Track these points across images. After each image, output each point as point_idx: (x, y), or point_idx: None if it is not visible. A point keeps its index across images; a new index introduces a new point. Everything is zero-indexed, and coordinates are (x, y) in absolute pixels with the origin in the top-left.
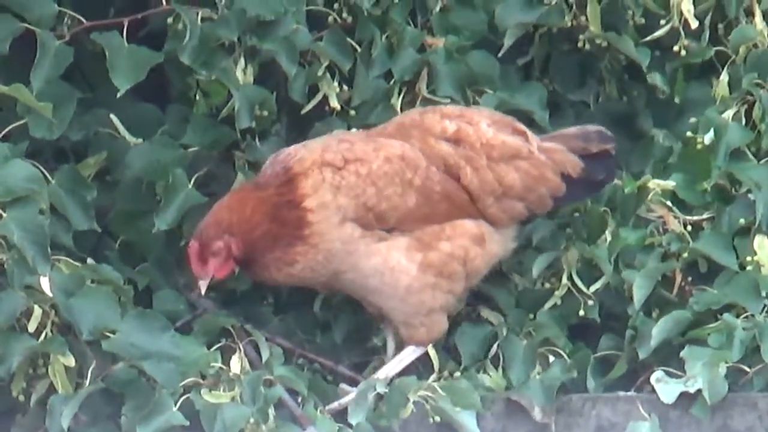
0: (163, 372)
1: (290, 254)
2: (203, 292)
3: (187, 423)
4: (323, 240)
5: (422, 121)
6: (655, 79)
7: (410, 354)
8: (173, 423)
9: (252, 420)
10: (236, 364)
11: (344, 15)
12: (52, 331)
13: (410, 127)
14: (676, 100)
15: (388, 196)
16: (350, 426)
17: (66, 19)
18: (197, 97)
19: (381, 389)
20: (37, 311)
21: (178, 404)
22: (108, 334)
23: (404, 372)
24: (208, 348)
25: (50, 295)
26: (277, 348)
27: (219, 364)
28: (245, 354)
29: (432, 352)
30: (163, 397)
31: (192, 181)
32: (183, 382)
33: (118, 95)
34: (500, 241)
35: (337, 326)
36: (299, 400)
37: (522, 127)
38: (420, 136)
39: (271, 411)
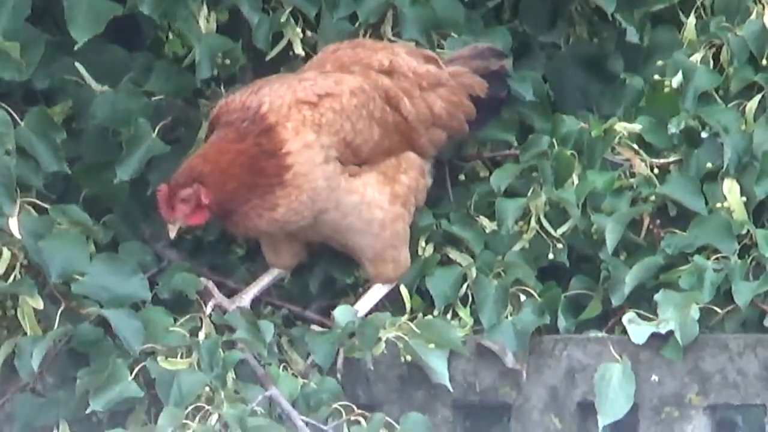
0: (129, 330)
1: (270, 200)
2: (172, 236)
3: (142, 394)
4: (307, 179)
5: (358, 56)
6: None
7: (378, 291)
8: (127, 395)
9: (209, 386)
10: (201, 334)
11: None
12: (20, 273)
13: (350, 63)
14: (645, 43)
15: (360, 129)
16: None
17: None
18: (168, 38)
19: None
20: (6, 253)
21: (134, 372)
22: (77, 277)
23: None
24: (172, 307)
25: (19, 237)
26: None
27: (179, 328)
28: (210, 320)
29: (404, 292)
30: (119, 366)
31: (156, 130)
32: (144, 346)
33: (76, 47)
34: (429, 174)
35: (312, 274)
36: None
37: (431, 53)
38: (361, 70)
39: (231, 375)
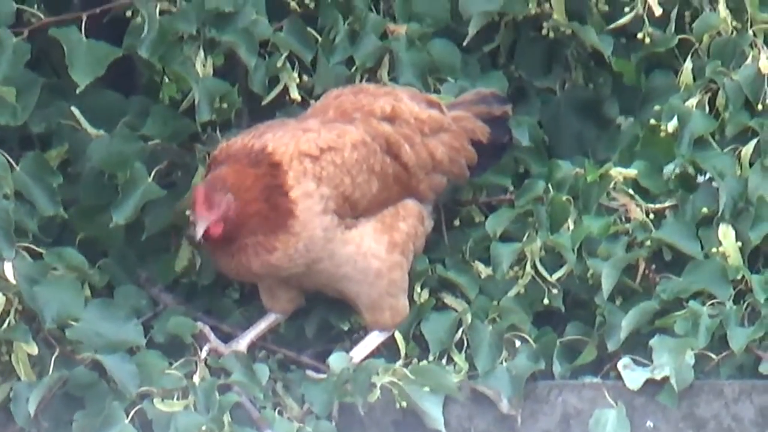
0: (124, 373)
1: (271, 241)
2: (199, 236)
3: None
4: (305, 228)
5: (361, 103)
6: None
7: (375, 339)
8: None
9: (205, 428)
10: (197, 376)
11: (306, 1)
12: (15, 319)
13: (352, 110)
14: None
15: (359, 184)
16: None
17: (26, 15)
18: (164, 82)
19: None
20: (1, 298)
21: (131, 414)
22: (72, 322)
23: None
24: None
25: (14, 282)
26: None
27: (175, 371)
28: (205, 363)
29: (399, 338)
30: (115, 408)
31: (152, 175)
32: (140, 390)
33: (78, 90)
34: (428, 219)
35: (308, 320)
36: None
37: (434, 97)
38: (363, 117)
39: (227, 417)
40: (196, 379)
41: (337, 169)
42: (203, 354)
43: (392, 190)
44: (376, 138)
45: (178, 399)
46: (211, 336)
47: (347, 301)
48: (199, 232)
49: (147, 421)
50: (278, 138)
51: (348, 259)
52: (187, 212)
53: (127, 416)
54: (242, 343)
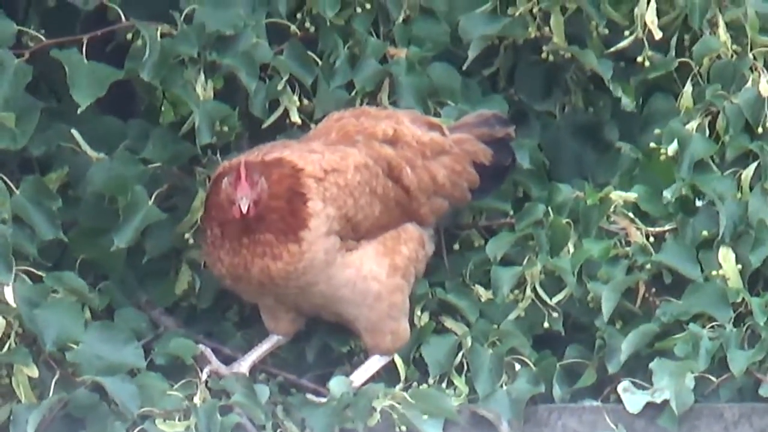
0: (124, 394)
1: (280, 247)
2: (244, 209)
3: None
4: (310, 249)
5: (363, 125)
6: (618, 92)
7: (376, 363)
8: None
9: None
10: (198, 397)
11: (307, 25)
12: (15, 342)
13: (354, 133)
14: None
15: (362, 206)
16: None
17: (26, 37)
18: (163, 108)
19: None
20: (1, 322)
21: None
22: (71, 345)
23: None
24: (168, 371)
25: (14, 305)
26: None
27: (176, 392)
28: (206, 386)
29: (398, 361)
30: (116, 429)
31: (153, 198)
32: (141, 410)
33: (79, 111)
34: (429, 243)
35: (309, 343)
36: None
37: (435, 120)
38: (365, 140)
39: None
40: (197, 400)
41: (341, 190)
42: (204, 376)
43: (393, 213)
44: (378, 161)
45: (179, 420)
46: (212, 358)
47: (346, 325)
48: (245, 206)
49: None
50: (288, 155)
51: (346, 282)
52: (188, 234)
53: None
54: (244, 365)
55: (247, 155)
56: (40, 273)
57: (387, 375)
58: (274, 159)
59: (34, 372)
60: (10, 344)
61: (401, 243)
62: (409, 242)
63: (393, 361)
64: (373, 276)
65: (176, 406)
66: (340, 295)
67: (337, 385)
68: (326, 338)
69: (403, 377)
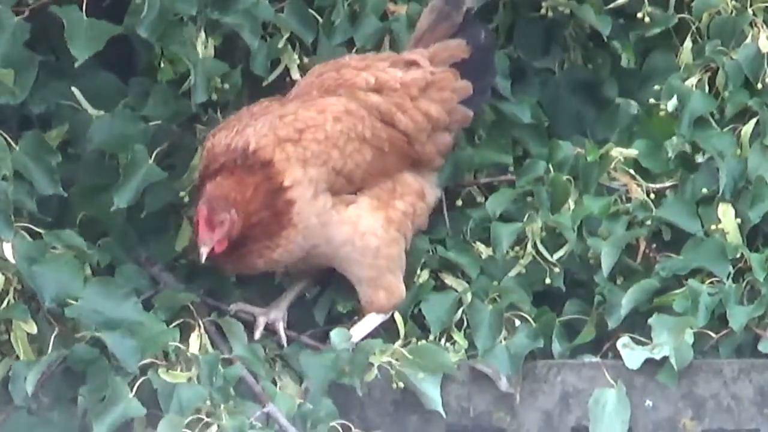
0: (124, 348)
1: (276, 240)
2: (204, 258)
3: (144, 412)
4: (301, 219)
5: (343, 78)
6: (618, 49)
7: (373, 320)
8: (129, 414)
9: (208, 400)
10: (195, 342)
11: None
12: (14, 298)
13: (336, 86)
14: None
15: (350, 154)
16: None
17: None
18: (162, 65)
19: None
20: (0, 278)
21: (136, 387)
22: (71, 301)
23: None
24: (168, 325)
25: (13, 262)
26: (238, 324)
27: (177, 343)
28: (205, 331)
29: (398, 318)
30: (118, 383)
31: (153, 156)
32: (141, 362)
33: (76, 65)
34: (432, 193)
35: (317, 305)
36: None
37: (410, 56)
38: (348, 92)
39: (230, 390)
40: (193, 340)
41: (321, 145)
42: (258, 333)
43: (389, 159)
44: (368, 108)
45: (182, 371)
46: (248, 307)
47: (347, 277)
48: (204, 254)
49: (149, 396)
50: (259, 131)
51: (346, 241)
52: (188, 191)
53: (131, 389)
54: (282, 306)
55: (226, 131)
56: (39, 230)
57: (386, 332)
58: (243, 159)
59: (33, 328)
60: (8, 300)
61: (396, 197)
62: (405, 196)
63: (393, 318)
64: (371, 231)
65: (179, 356)
66: (342, 254)
67: (337, 336)
68: (332, 298)
69: (402, 334)
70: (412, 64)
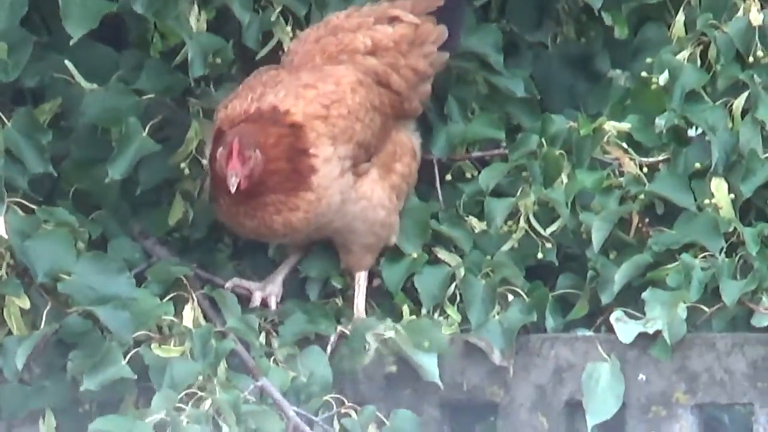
0: (117, 321)
1: (293, 201)
2: (233, 188)
3: (135, 377)
4: (326, 194)
5: (343, 43)
6: (609, 21)
7: (365, 278)
8: (121, 375)
9: (201, 374)
10: (189, 315)
11: None
12: (7, 273)
13: (337, 53)
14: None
15: (367, 125)
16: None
17: None
18: (154, 39)
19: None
20: None
21: (128, 357)
22: (63, 276)
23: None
24: (162, 299)
25: (5, 237)
26: (231, 296)
27: (171, 317)
28: (198, 304)
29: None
30: (113, 348)
31: (146, 129)
32: (135, 334)
33: (71, 42)
34: (418, 144)
35: (309, 282)
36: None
37: (392, 11)
38: (349, 58)
39: (223, 364)
40: (186, 312)
41: (346, 120)
42: (256, 301)
43: (388, 123)
44: (367, 73)
45: (174, 345)
46: (245, 282)
47: (339, 245)
48: (233, 184)
49: (140, 369)
50: (283, 98)
51: (360, 215)
52: (182, 165)
53: (125, 358)
54: (277, 280)
55: (239, 99)
56: (31, 206)
57: (380, 308)
58: (270, 115)
59: (26, 303)
60: (1, 276)
61: (396, 159)
62: (403, 157)
63: (388, 295)
64: (381, 203)
65: (172, 330)
66: (352, 227)
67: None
68: (326, 274)
69: (401, 312)
70: (394, 18)
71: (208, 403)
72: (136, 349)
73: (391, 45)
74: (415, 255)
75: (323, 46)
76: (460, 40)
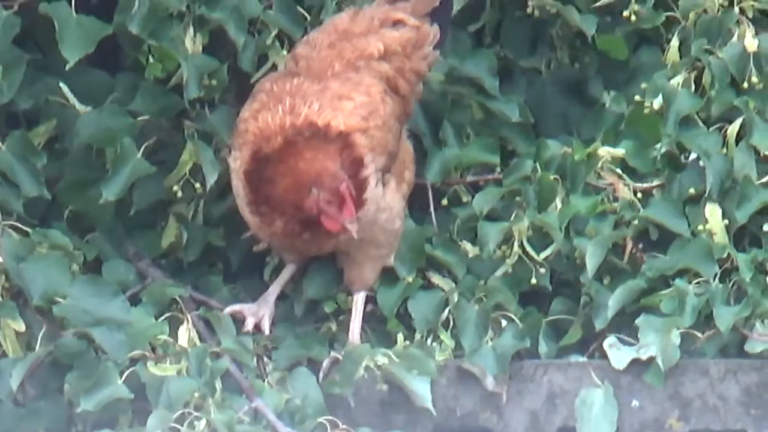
0: (112, 342)
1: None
2: (356, 234)
3: (132, 396)
4: (370, 208)
5: (358, 48)
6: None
7: (363, 301)
8: (118, 395)
9: (197, 393)
10: (184, 335)
11: None
12: (2, 296)
13: (354, 59)
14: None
15: (394, 134)
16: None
17: None
18: (149, 62)
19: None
20: None
21: (124, 376)
22: (58, 299)
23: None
24: (157, 319)
25: (0, 260)
26: (226, 318)
27: (166, 336)
28: (193, 325)
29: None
30: (109, 368)
31: (141, 150)
32: (130, 354)
33: (67, 67)
34: (410, 146)
35: (297, 299)
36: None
37: (396, 14)
38: (366, 65)
39: (218, 383)
40: (181, 333)
41: (381, 131)
42: (249, 326)
43: (402, 126)
44: (381, 79)
45: (171, 363)
46: (237, 305)
47: (347, 257)
48: (355, 230)
49: (136, 389)
50: (320, 112)
51: (383, 225)
52: (175, 188)
53: (121, 377)
54: (269, 299)
55: (270, 113)
56: (26, 229)
57: (374, 334)
58: (315, 131)
59: (21, 326)
60: None
61: (405, 167)
62: (408, 164)
63: (383, 321)
64: (399, 213)
65: (165, 347)
66: (374, 238)
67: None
68: (314, 296)
69: (394, 340)
70: (397, 21)
71: (203, 423)
72: (131, 368)
73: (399, 49)
74: (410, 279)
75: (340, 51)
76: (446, 36)
